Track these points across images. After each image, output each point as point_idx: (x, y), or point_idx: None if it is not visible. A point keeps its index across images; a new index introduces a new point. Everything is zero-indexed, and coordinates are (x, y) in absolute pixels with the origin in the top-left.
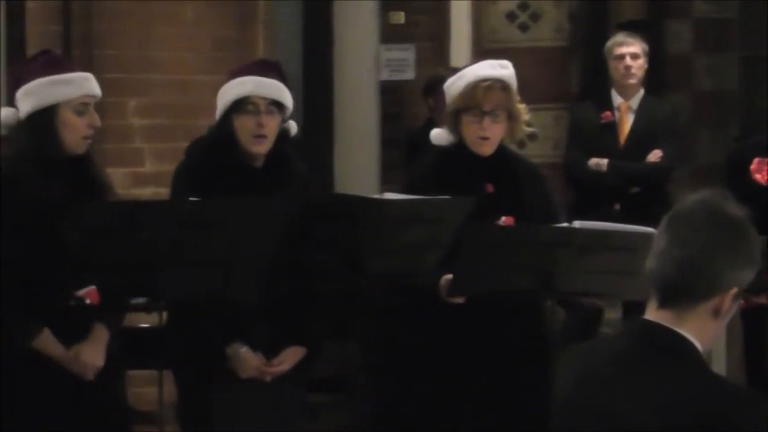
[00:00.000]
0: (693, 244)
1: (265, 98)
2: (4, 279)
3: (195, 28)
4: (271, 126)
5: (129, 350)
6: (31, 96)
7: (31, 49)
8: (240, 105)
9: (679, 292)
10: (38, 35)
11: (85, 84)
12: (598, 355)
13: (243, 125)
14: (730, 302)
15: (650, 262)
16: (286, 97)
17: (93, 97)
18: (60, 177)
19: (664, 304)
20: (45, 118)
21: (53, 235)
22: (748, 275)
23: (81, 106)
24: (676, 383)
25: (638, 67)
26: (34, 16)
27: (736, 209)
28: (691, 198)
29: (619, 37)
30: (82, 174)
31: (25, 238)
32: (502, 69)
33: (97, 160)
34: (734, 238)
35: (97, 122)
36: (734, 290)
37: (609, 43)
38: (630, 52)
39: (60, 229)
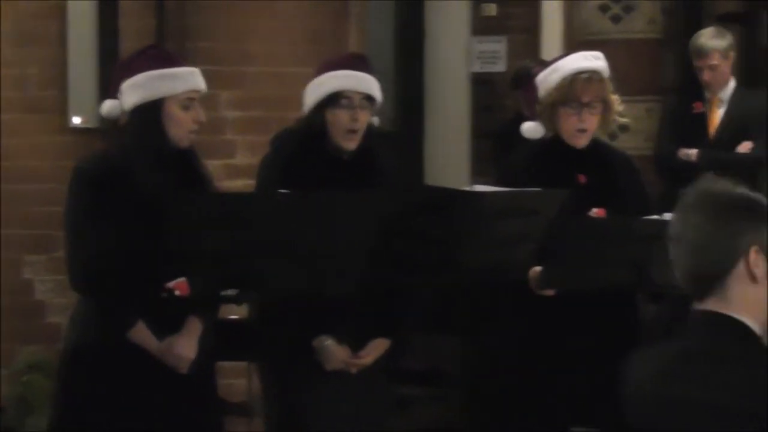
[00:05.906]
0: (690, 228)
1: (359, 92)
2: (103, 269)
3: (289, 20)
4: (363, 120)
5: (219, 342)
6: (138, 89)
7: (125, 43)
8: (334, 99)
9: (704, 278)
10: (132, 29)
11: (191, 78)
12: (668, 350)
13: (337, 119)
14: (757, 261)
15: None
16: (378, 91)
17: (199, 91)
18: (165, 169)
19: (702, 294)
20: (151, 111)
21: (156, 227)
22: (761, 232)
23: (187, 101)
24: (736, 368)
25: (720, 73)
26: (127, 9)
27: (724, 185)
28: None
29: (700, 40)
30: (185, 167)
31: (129, 229)
32: (596, 60)
33: (198, 153)
34: (723, 208)
35: (202, 117)
36: (755, 248)
37: (690, 47)
38: (708, 65)
39: (162, 221)
